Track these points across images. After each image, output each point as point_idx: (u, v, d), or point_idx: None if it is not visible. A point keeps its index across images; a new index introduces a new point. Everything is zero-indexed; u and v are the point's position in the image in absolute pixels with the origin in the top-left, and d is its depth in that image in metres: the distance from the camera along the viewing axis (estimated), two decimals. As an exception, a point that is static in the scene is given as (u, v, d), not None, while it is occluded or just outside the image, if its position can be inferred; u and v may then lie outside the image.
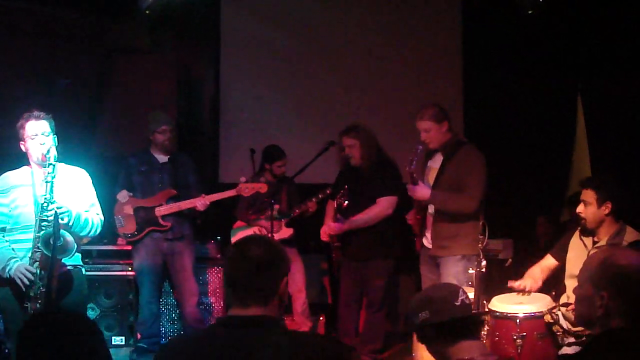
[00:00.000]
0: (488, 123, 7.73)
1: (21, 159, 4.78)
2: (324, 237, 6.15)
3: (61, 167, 4.64)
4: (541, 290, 5.00)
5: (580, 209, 4.77)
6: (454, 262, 5.36)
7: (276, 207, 6.56)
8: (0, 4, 7.22)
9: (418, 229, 5.66)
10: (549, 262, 5.07)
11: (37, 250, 4.43)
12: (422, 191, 5.44)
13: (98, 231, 4.82)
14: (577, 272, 4.59)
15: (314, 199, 6.50)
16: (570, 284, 4.73)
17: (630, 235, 4.69)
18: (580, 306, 2.72)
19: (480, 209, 5.34)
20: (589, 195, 4.73)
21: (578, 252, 4.81)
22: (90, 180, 4.89)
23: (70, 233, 4.54)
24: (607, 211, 4.69)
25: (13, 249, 4.58)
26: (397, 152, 6.30)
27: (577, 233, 4.92)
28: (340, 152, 6.10)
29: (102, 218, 4.87)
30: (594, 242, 4.76)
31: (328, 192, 6.28)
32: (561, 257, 4.98)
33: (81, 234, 4.70)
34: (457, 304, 2.88)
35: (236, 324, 2.58)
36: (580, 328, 4.52)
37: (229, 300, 2.69)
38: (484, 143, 5.75)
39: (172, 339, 3.01)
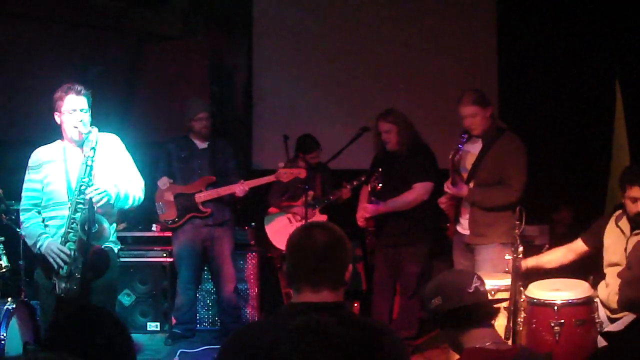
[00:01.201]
0: (524, 108, 7.64)
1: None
2: (360, 222, 6.10)
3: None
4: (579, 277, 4.93)
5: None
6: (491, 249, 5.32)
7: (310, 193, 6.55)
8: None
9: (452, 215, 5.61)
10: (578, 245, 4.98)
11: (70, 231, 4.45)
12: (460, 191, 5.38)
13: (142, 198, 4.81)
14: (616, 259, 4.60)
15: (348, 186, 6.48)
16: (611, 271, 4.66)
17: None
18: (628, 288, 2.70)
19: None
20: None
21: (616, 239, 4.74)
22: (124, 146, 4.83)
23: (114, 205, 4.59)
24: None
25: (46, 225, 4.60)
26: (430, 137, 6.25)
27: (612, 220, 4.83)
28: (376, 137, 6.05)
29: (143, 184, 4.84)
30: (632, 228, 4.67)
31: (362, 179, 6.25)
32: (592, 244, 4.89)
33: (125, 208, 4.74)
34: (470, 291, 2.86)
35: (310, 311, 2.54)
36: (619, 315, 4.48)
37: (296, 286, 2.62)
38: (519, 128, 5.69)
39: (241, 327, 2.96)
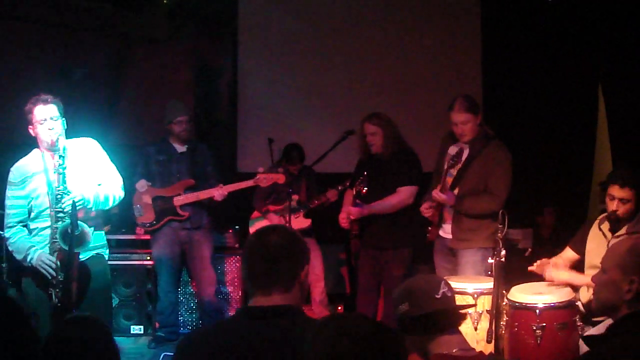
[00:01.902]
0: (508, 112, 7.67)
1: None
2: (343, 222, 6.08)
3: (68, 143, 4.58)
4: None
5: (616, 206, 4.65)
6: (473, 253, 5.33)
7: (295, 197, 6.54)
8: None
9: (436, 219, 5.61)
10: (569, 254, 5.02)
11: (55, 240, 4.45)
12: (447, 200, 5.38)
13: (121, 197, 4.80)
14: (598, 262, 4.59)
15: (334, 190, 6.48)
16: (591, 274, 4.68)
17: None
18: (604, 292, 2.72)
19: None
20: (628, 193, 4.62)
21: (598, 242, 4.77)
22: (100, 146, 4.79)
23: (92, 209, 4.58)
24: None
25: (39, 234, 4.59)
26: (415, 140, 6.25)
27: (595, 224, 4.87)
28: (361, 139, 6.04)
29: (121, 182, 4.83)
30: (613, 231, 4.70)
31: (347, 184, 6.25)
32: (580, 250, 4.92)
33: (104, 209, 4.73)
34: (437, 296, 2.84)
35: (258, 315, 2.56)
36: (601, 318, 4.50)
37: (251, 290, 2.65)
38: (504, 132, 5.70)
39: (195, 330, 2.98)
